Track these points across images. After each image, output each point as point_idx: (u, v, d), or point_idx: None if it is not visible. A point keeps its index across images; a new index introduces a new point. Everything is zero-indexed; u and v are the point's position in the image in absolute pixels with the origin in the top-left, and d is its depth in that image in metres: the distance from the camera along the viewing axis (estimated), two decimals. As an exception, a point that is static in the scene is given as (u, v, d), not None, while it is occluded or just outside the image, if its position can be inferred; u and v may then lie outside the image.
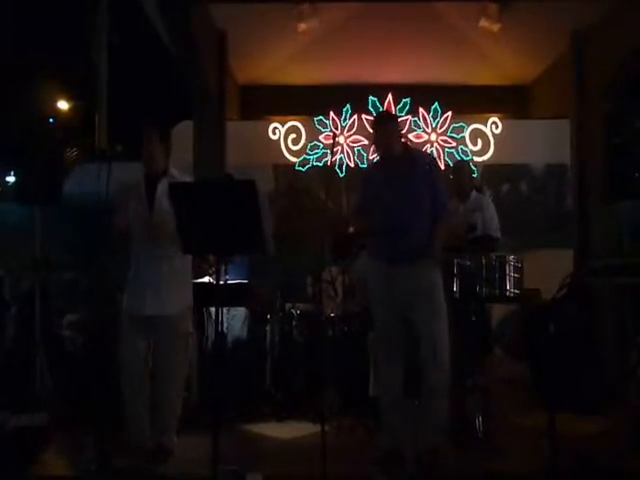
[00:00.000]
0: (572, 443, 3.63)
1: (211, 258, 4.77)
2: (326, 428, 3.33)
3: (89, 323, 4.88)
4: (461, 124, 7.78)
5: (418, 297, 3.64)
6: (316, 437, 3.78)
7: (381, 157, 3.91)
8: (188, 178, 4.12)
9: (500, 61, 8.19)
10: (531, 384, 4.94)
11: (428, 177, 3.74)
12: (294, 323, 5.07)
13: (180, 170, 4.13)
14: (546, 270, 5.25)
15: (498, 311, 5.13)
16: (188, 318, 3.97)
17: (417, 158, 3.86)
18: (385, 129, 3.79)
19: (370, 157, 7.50)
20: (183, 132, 7.10)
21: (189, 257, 3.97)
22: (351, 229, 4.82)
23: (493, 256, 4.17)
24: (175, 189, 3.53)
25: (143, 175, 3.98)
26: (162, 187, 3.88)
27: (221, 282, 3.78)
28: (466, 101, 8.03)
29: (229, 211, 3.31)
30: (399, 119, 7.47)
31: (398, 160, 3.78)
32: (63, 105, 8.86)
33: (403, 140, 3.94)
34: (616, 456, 3.66)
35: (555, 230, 7.36)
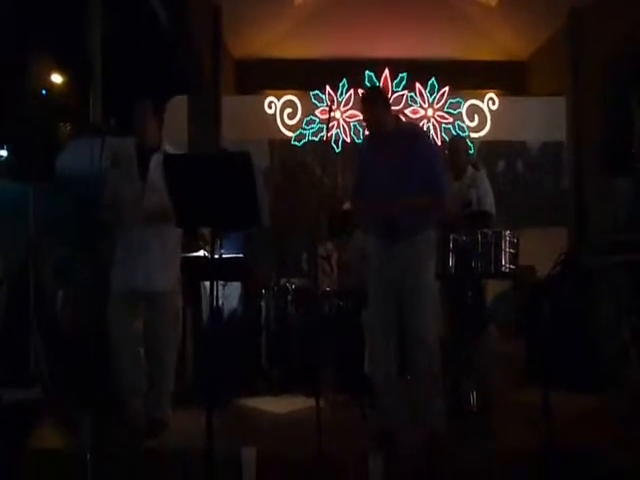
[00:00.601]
0: (566, 420, 3.65)
1: (206, 232, 4.75)
2: (321, 404, 3.34)
3: (82, 300, 4.87)
4: (458, 100, 7.74)
5: (406, 276, 3.62)
6: (310, 412, 3.77)
7: (371, 134, 3.84)
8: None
9: (497, 36, 8.14)
10: (525, 361, 4.96)
11: (422, 155, 3.66)
12: (289, 298, 5.06)
13: (175, 146, 4.09)
14: (541, 248, 5.27)
15: (493, 287, 5.13)
16: (178, 293, 3.97)
17: (410, 134, 3.78)
18: (373, 106, 3.70)
19: (366, 132, 7.46)
20: (178, 107, 7.05)
21: (179, 232, 3.94)
22: (346, 205, 4.81)
23: (489, 232, 4.15)
24: (169, 162, 3.49)
25: (135, 149, 3.91)
26: (155, 162, 3.82)
27: (216, 256, 3.77)
28: (463, 76, 7.99)
29: (224, 184, 3.27)
30: (396, 94, 7.63)
31: (389, 137, 3.71)
32: (57, 79, 8.74)
33: (396, 115, 3.89)
34: (609, 433, 3.68)
35: (551, 208, 7.36)
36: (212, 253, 3.61)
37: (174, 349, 3.95)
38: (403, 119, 4.12)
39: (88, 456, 3.30)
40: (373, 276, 3.80)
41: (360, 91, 7.52)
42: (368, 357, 4.20)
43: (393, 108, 7.51)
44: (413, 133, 3.84)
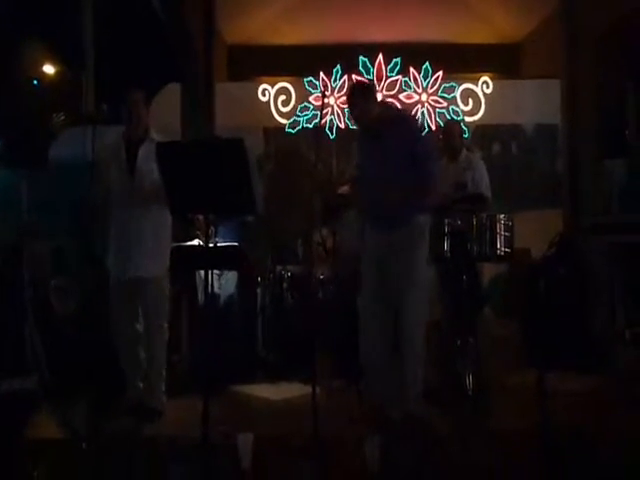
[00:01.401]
0: (562, 401, 3.66)
1: (200, 220, 4.73)
2: (317, 390, 3.35)
3: (75, 288, 4.87)
4: (452, 84, 7.69)
5: (398, 263, 3.69)
6: (307, 398, 3.77)
7: (359, 125, 3.91)
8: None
9: (491, 19, 8.10)
10: (521, 343, 4.98)
11: (409, 140, 3.70)
12: (285, 285, 5.06)
13: (167, 134, 4.09)
14: (536, 230, 5.27)
15: (488, 270, 5.13)
16: (166, 280, 4.00)
17: (396, 120, 3.82)
18: (357, 100, 3.78)
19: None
20: (170, 94, 7.01)
21: (169, 219, 3.96)
22: (343, 189, 4.79)
23: (484, 215, 4.15)
24: (162, 149, 3.48)
25: (123, 138, 3.93)
26: (144, 150, 3.85)
27: (211, 244, 3.77)
28: (457, 60, 7.94)
29: (217, 171, 3.26)
30: (390, 79, 7.59)
31: (376, 126, 3.76)
32: (48, 68, 8.69)
33: (384, 103, 3.92)
34: (604, 414, 3.70)
35: (545, 190, 7.35)
36: (206, 241, 3.61)
37: (164, 335, 3.97)
38: (394, 106, 4.15)
39: (84, 445, 3.32)
40: (366, 262, 3.87)
41: (354, 77, 7.50)
42: (360, 340, 4.19)
43: (388, 93, 7.59)
44: (399, 119, 3.88)
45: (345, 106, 7.61)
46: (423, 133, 4.06)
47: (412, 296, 3.68)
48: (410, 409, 3.67)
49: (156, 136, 3.93)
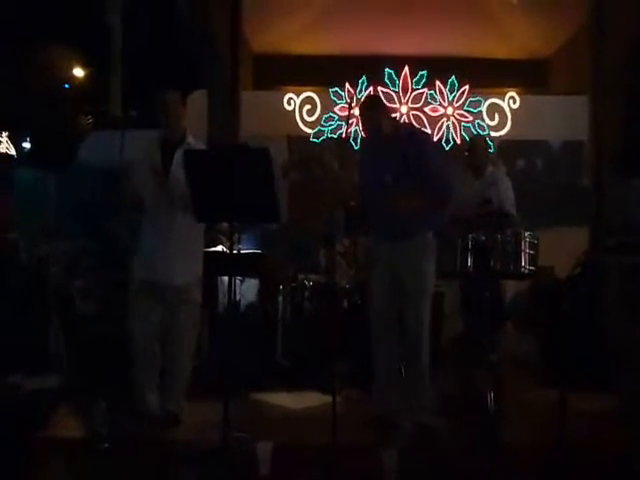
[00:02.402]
0: (582, 420, 3.62)
1: (224, 227, 4.75)
2: (337, 400, 3.34)
3: (99, 289, 4.92)
4: (478, 98, 7.68)
5: (404, 276, 3.73)
6: (326, 407, 3.78)
7: (369, 138, 3.96)
8: (203, 146, 4.07)
9: (518, 34, 8.07)
10: (542, 361, 4.93)
11: (421, 156, 3.71)
12: (306, 294, 5.07)
13: (197, 138, 4.07)
14: (561, 248, 5.21)
15: (510, 287, 5.09)
16: (198, 288, 3.92)
17: (408, 137, 3.84)
18: (370, 113, 3.83)
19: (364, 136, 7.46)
20: (197, 101, 7.06)
21: (201, 227, 3.92)
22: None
23: (508, 232, 4.12)
24: (189, 156, 3.51)
25: (159, 140, 3.86)
26: (179, 156, 3.74)
27: (234, 251, 3.78)
28: (484, 75, 7.93)
29: (243, 179, 3.29)
30: (416, 92, 7.58)
31: (387, 141, 3.79)
32: (78, 72, 8.80)
33: (395, 119, 3.95)
34: (625, 434, 3.65)
35: (571, 207, 7.29)
36: (230, 248, 3.64)
37: (192, 344, 3.94)
38: (408, 123, 4.17)
39: (105, 445, 3.34)
40: (373, 274, 3.92)
41: (379, 88, 7.51)
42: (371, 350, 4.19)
43: (413, 106, 7.59)
44: (411, 136, 3.90)
45: (370, 117, 7.68)
46: (437, 148, 4.06)
47: (418, 307, 3.72)
48: (420, 419, 3.67)
49: (192, 140, 3.87)
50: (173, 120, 3.81)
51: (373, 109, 3.86)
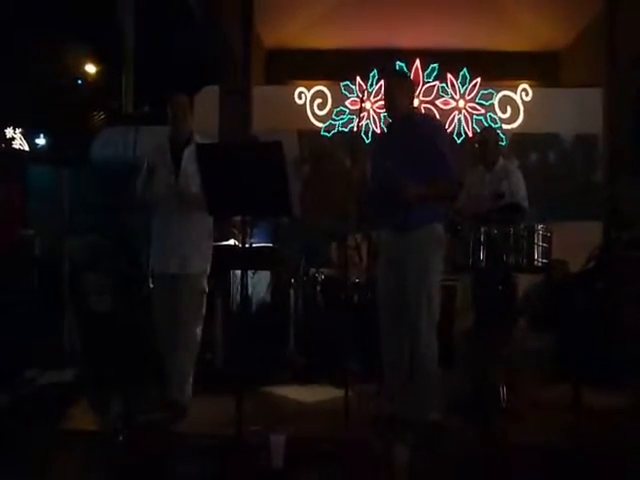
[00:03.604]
0: (596, 416, 3.60)
1: (236, 221, 4.79)
2: (349, 394, 3.35)
3: (113, 285, 4.96)
4: (490, 91, 7.63)
5: (411, 268, 3.64)
6: (338, 402, 3.82)
7: (389, 118, 3.88)
8: None
9: (531, 27, 8.00)
10: (555, 356, 4.90)
11: (433, 145, 3.68)
12: (318, 288, 5.08)
13: (205, 135, 4.16)
14: (574, 242, 5.17)
15: (523, 281, 5.07)
16: (205, 277, 4.05)
17: (422, 124, 3.82)
18: (396, 87, 3.76)
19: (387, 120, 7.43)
20: (209, 96, 7.08)
21: (211, 220, 4.03)
22: None
23: (521, 225, 4.11)
24: (202, 150, 3.55)
25: (169, 139, 4.02)
26: (188, 152, 3.93)
27: (246, 245, 3.80)
28: (495, 67, 7.88)
29: (255, 173, 3.31)
30: (427, 85, 7.56)
31: (401, 126, 3.76)
32: (90, 68, 8.83)
33: (414, 107, 3.90)
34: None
35: (584, 201, 7.23)
36: (243, 242, 3.66)
37: (197, 332, 3.99)
38: (423, 111, 4.14)
39: (120, 438, 3.37)
40: (380, 266, 3.87)
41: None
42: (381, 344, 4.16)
43: (424, 99, 7.56)
44: (425, 123, 3.88)
45: (381, 111, 7.66)
46: (449, 140, 4.02)
47: (419, 300, 3.62)
48: (428, 418, 3.62)
49: (199, 138, 4.00)
50: (180, 121, 3.97)
51: (399, 84, 3.80)
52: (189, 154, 3.91)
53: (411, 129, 3.74)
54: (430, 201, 3.65)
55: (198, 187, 3.72)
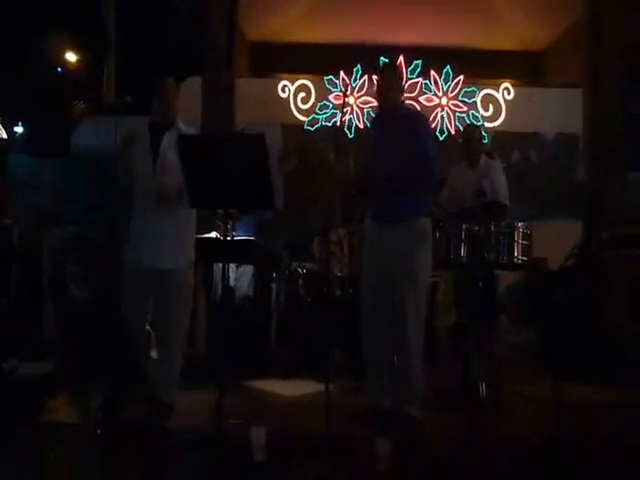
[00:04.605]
0: (578, 412, 3.64)
1: (220, 214, 4.74)
2: (330, 388, 3.35)
3: (94, 275, 4.90)
4: (473, 89, 7.67)
5: (396, 261, 3.67)
6: (320, 396, 3.79)
7: (379, 110, 3.92)
8: (194, 132, 4.04)
9: (514, 26, 8.05)
10: (536, 352, 4.95)
11: (420, 140, 3.74)
12: (300, 282, 5.08)
13: (189, 124, 4.06)
14: (554, 240, 5.23)
15: (504, 278, 5.11)
16: (190, 273, 3.88)
17: (412, 118, 3.87)
18: (391, 76, 3.83)
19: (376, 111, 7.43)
20: (191, 88, 7.02)
21: (193, 211, 3.87)
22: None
23: (503, 222, 4.14)
24: (184, 141, 3.49)
25: (149, 124, 3.83)
26: (168, 139, 3.75)
27: (229, 238, 3.77)
28: (478, 65, 7.92)
29: (238, 165, 3.28)
30: (411, 81, 7.58)
31: (392, 119, 3.79)
32: (71, 57, 8.71)
33: (405, 101, 3.93)
34: (622, 426, 3.67)
35: (564, 200, 7.30)
36: (225, 234, 3.63)
37: (183, 329, 3.86)
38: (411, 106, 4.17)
39: (98, 431, 3.34)
40: (366, 259, 3.88)
41: (374, 77, 7.47)
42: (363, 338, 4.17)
43: (408, 95, 7.57)
44: (415, 118, 3.93)
45: (365, 106, 7.67)
46: (431, 134, 4.06)
47: (406, 293, 3.65)
48: (409, 411, 3.65)
49: (182, 125, 3.85)
50: (166, 105, 3.81)
51: (394, 74, 3.88)
52: (169, 139, 3.73)
53: (402, 122, 3.78)
54: (407, 189, 3.66)
55: (177, 176, 3.57)
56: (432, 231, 3.85)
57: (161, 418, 3.69)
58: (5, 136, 6.04)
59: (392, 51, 7.68)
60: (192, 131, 3.96)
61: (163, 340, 3.81)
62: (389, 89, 3.79)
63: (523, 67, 8.36)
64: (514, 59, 8.32)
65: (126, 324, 3.78)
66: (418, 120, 3.92)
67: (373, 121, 4.21)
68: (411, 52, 7.74)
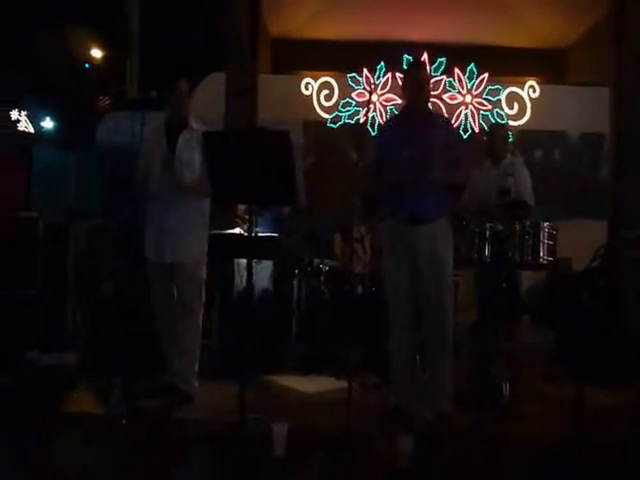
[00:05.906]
0: (598, 414, 3.60)
1: (241, 210, 4.78)
2: (352, 385, 3.35)
3: (117, 269, 4.96)
4: (497, 87, 7.60)
5: (423, 261, 3.67)
6: (340, 392, 3.81)
7: (404, 108, 3.88)
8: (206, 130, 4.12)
9: (539, 23, 7.97)
10: (557, 353, 4.91)
11: (453, 145, 3.74)
12: (322, 279, 5.08)
13: (211, 122, 4.15)
14: (578, 240, 5.16)
15: (527, 278, 5.07)
16: (203, 266, 4.03)
17: (444, 122, 3.89)
18: (416, 74, 3.79)
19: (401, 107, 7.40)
20: (214, 84, 7.05)
21: (207, 207, 4.01)
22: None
23: (527, 222, 4.10)
24: (209, 138, 3.52)
25: (165, 122, 4.00)
26: (183, 138, 3.92)
27: (251, 234, 3.79)
28: (503, 63, 7.85)
29: (262, 162, 3.30)
30: (434, 79, 7.53)
31: (419, 119, 3.76)
32: (96, 53, 8.81)
33: (429, 100, 3.90)
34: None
35: (589, 200, 7.22)
36: (249, 231, 3.65)
37: (198, 320, 4.00)
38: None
39: (123, 421, 3.37)
40: (389, 260, 3.85)
41: (398, 75, 7.44)
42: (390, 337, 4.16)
43: (431, 93, 7.52)
44: (446, 122, 3.96)
45: (388, 104, 7.65)
46: (463, 140, 4.09)
47: (438, 292, 3.66)
48: (441, 409, 3.65)
49: (195, 125, 3.99)
50: (178, 108, 3.95)
51: (422, 73, 3.85)
52: (184, 140, 3.91)
53: (430, 121, 3.77)
54: (439, 197, 3.66)
55: (192, 174, 3.76)
56: (455, 229, 3.84)
57: (180, 405, 3.79)
58: (32, 130, 6.12)
59: (415, 48, 7.65)
60: (205, 129, 4.03)
61: (180, 330, 3.94)
62: (416, 86, 3.76)
63: (546, 65, 8.26)
64: (539, 57, 8.23)
65: (155, 315, 3.97)
66: (447, 122, 3.94)
67: (394, 119, 4.18)
68: (435, 49, 7.69)
